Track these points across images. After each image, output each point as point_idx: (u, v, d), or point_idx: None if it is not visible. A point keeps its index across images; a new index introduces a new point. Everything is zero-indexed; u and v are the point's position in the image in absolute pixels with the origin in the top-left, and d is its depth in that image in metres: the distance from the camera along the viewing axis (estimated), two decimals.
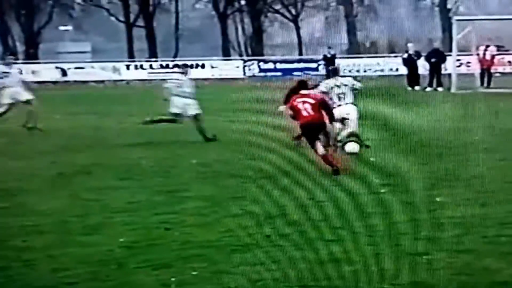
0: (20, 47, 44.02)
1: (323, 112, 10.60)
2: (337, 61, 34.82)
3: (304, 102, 10.61)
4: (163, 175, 10.13)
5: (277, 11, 46.74)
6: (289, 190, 9.03)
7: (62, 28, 48.14)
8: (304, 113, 10.54)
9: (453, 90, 25.67)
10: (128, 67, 38.48)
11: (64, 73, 37.91)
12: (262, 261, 6.10)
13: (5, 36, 43.68)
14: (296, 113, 10.71)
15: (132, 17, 44.67)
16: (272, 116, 18.48)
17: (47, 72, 36.97)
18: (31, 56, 42.42)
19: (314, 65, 38.56)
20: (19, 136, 14.68)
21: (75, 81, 36.28)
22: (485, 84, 28.31)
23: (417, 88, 29.36)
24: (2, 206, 8.18)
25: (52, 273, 5.80)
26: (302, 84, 11.05)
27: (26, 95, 16.01)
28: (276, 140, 14.07)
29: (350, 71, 38.59)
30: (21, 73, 19.31)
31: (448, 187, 9.12)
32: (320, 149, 10.32)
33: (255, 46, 45.29)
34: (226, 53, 44.66)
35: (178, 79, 14.70)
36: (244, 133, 15.33)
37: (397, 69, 36.75)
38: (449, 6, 47.96)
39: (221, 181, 9.65)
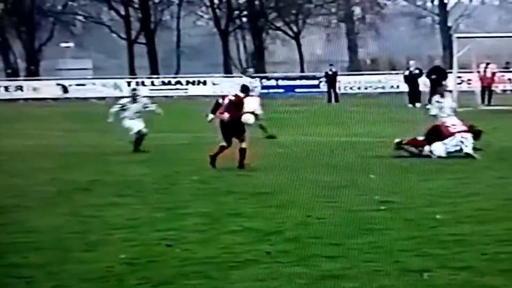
0: (21, 64, 44.17)
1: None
2: (338, 78, 35.00)
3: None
4: (163, 191, 10.18)
5: (278, 28, 46.97)
6: (287, 207, 9.05)
7: (63, 45, 48.34)
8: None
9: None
10: (129, 83, 38.57)
11: (65, 89, 38.02)
12: (261, 277, 6.11)
13: (7, 53, 43.86)
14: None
15: (133, 34, 44.87)
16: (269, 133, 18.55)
17: (48, 88, 37.07)
18: (32, 73, 42.58)
19: (315, 82, 38.69)
20: (18, 153, 14.68)
21: (76, 98, 36.37)
22: (486, 102, 28.35)
23: (418, 105, 29.40)
24: (1, 222, 8.18)
25: None
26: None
27: None
28: (273, 157, 14.08)
29: (351, 88, 38.72)
30: None
31: (448, 204, 9.12)
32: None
33: (257, 63, 45.46)
34: (227, 70, 44.81)
35: (124, 104, 15.14)
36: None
37: (398, 86, 36.83)
38: (449, 23, 48.23)
39: (219, 198, 9.70)
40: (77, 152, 14.23)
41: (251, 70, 20.18)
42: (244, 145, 12.24)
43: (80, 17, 46.33)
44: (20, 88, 37.43)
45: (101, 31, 47.71)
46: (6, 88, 37.56)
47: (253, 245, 7.15)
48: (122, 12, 44.70)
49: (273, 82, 39.62)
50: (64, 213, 8.69)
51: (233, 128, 12.38)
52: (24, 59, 44.03)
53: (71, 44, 48.81)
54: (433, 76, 29.20)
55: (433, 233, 7.61)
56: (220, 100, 13.28)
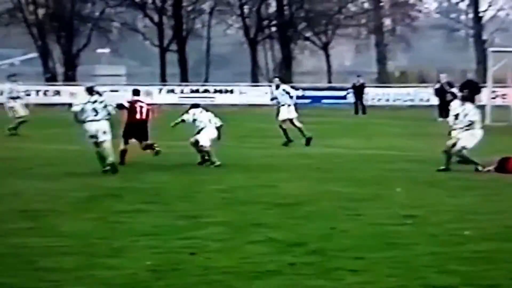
0: (60, 69, 44.77)
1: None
2: (366, 90, 34.89)
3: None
4: (187, 200, 10.30)
5: (307, 39, 47.02)
6: (310, 219, 9.06)
7: (99, 51, 48.90)
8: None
9: (487, 122, 25.38)
10: (160, 91, 38.93)
11: (99, 95, 38.56)
12: None
13: (46, 58, 44.48)
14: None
15: (165, 41, 45.30)
16: (295, 143, 18.57)
17: (84, 94, 37.18)
18: (70, 78, 43.08)
19: (343, 93, 38.62)
20: (52, 158, 14.91)
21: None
22: None
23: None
24: (32, 226, 8.37)
25: None
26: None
27: None
28: (298, 167, 14.09)
29: (379, 100, 38.56)
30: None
31: (475, 220, 9.04)
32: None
33: (284, 73, 45.55)
34: (254, 79, 44.97)
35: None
36: (266, 160, 15.38)
37: (428, 100, 36.59)
38: (484, 37, 47.70)
39: (242, 207, 9.75)
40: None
41: (276, 79, 20.33)
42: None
43: (116, 24, 46.86)
44: (58, 93, 37.92)
45: (135, 38, 48.29)
46: (45, 93, 38.10)
47: (275, 256, 7.17)
48: (156, 20, 45.18)
49: (299, 93, 39.63)
50: (94, 218, 8.86)
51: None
52: (62, 64, 44.60)
53: (106, 50, 49.36)
54: (465, 91, 28.99)
55: (458, 249, 7.54)
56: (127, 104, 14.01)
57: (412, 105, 37.87)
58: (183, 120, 15.21)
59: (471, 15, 50.10)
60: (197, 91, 39.20)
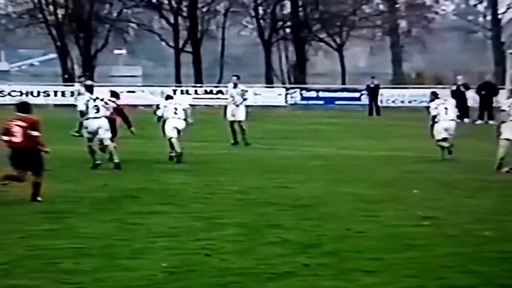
0: (78, 70, 44.98)
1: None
2: (381, 91, 34.73)
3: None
4: (203, 201, 10.36)
5: (321, 40, 46.92)
6: (326, 220, 9.08)
7: (116, 51, 49.10)
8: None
9: None
10: (175, 92, 38.92)
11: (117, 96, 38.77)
12: None
13: (65, 59, 44.72)
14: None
15: (181, 43, 45.42)
16: (310, 145, 18.52)
17: (101, 95, 37.20)
18: (88, 79, 43.10)
19: (356, 94, 38.46)
20: (72, 159, 15.03)
21: (126, 105, 36.56)
22: None
23: (466, 120, 29.03)
24: (54, 228, 8.47)
25: None
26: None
27: None
28: (313, 169, 14.03)
29: (393, 101, 38.38)
30: None
31: (495, 221, 9.00)
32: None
33: (298, 74, 45.47)
34: (269, 81, 44.94)
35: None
36: (281, 161, 15.33)
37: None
38: (503, 39, 47.33)
39: (258, 209, 9.78)
40: (127, 160, 14.39)
41: (234, 78, 20.30)
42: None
43: (133, 25, 47.06)
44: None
45: (151, 39, 48.46)
46: (63, 94, 38.23)
47: (291, 257, 7.18)
48: (172, 21, 45.33)
49: (313, 94, 39.56)
50: (113, 220, 8.96)
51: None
52: (80, 65, 44.82)
53: (123, 51, 49.55)
54: (482, 92, 28.83)
55: (478, 250, 7.54)
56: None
57: (428, 106, 37.63)
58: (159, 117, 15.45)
59: (489, 17, 49.75)
60: (211, 92, 39.23)
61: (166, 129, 15.25)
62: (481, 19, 53.76)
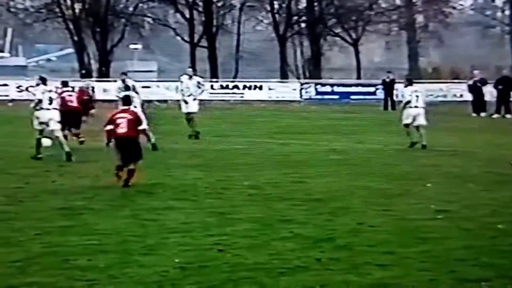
0: (94, 65, 45.16)
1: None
2: (396, 86, 34.56)
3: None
4: (216, 196, 10.37)
5: (337, 35, 46.77)
6: (339, 214, 9.06)
7: (132, 46, 49.21)
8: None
9: None
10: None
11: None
12: (312, 284, 6.11)
13: (82, 54, 44.89)
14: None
15: (196, 37, 45.45)
16: (325, 139, 18.46)
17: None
18: (103, 74, 43.39)
19: (371, 89, 38.32)
20: (85, 155, 15.14)
21: (142, 100, 36.63)
22: None
23: (482, 114, 28.85)
24: (69, 224, 8.53)
25: None
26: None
27: None
28: (327, 163, 13.98)
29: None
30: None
31: (510, 214, 8.93)
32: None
33: (313, 69, 45.35)
34: (283, 76, 44.88)
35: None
36: (296, 156, 15.30)
37: (461, 95, 36.20)
38: None
39: (271, 204, 9.78)
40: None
41: (189, 70, 20.34)
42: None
43: (149, 19, 47.16)
44: (92, 89, 38.02)
45: (166, 34, 48.51)
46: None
47: (303, 252, 7.18)
48: (187, 15, 45.37)
49: (328, 88, 39.48)
50: (127, 216, 8.99)
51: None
52: (96, 60, 44.96)
53: (139, 46, 49.66)
54: (500, 87, 28.63)
55: (493, 243, 7.50)
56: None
57: (444, 101, 37.45)
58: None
59: (507, 12, 49.34)
60: (226, 87, 39.24)
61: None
62: (499, 13, 53.35)
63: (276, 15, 46.29)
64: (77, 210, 9.28)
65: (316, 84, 39.85)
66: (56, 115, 14.50)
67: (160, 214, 9.05)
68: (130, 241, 7.65)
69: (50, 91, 14.68)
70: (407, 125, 17.42)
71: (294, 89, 39.38)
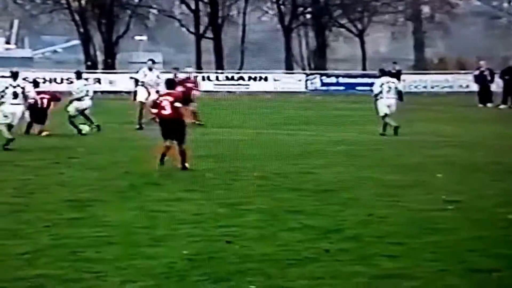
0: (100, 57, 45.09)
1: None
2: (403, 77, 34.42)
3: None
4: (226, 187, 10.34)
5: (342, 26, 46.59)
6: (348, 205, 9.02)
7: (137, 38, 49.10)
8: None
9: None
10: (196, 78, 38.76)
11: (136, 83, 39.03)
12: (320, 275, 6.08)
13: (88, 45, 44.82)
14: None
15: (201, 29, 45.33)
16: (332, 130, 18.41)
17: (122, 82, 37.26)
18: (109, 65, 43.35)
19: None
20: (94, 147, 15.12)
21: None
22: None
23: (489, 105, 28.73)
24: (78, 216, 8.50)
25: (120, 286, 5.98)
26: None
27: None
28: (336, 154, 13.93)
29: (416, 87, 38.06)
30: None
31: None
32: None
33: (318, 60, 45.20)
34: (289, 67, 44.74)
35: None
36: (303, 147, 15.25)
37: (467, 86, 36.03)
38: None
39: (280, 194, 9.74)
40: (147, 146, 14.45)
41: (149, 62, 20.57)
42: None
43: (154, 11, 47.01)
44: (98, 80, 38.03)
45: (172, 25, 48.36)
46: (86, 80, 38.33)
47: (312, 243, 7.15)
48: (192, 6, 45.23)
49: (333, 79, 39.32)
50: (135, 208, 8.94)
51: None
52: (102, 52, 44.86)
53: (144, 38, 49.52)
54: (506, 77, 28.49)
55: (503, 233, 7.45)
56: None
57: (450, 92, 37.32)
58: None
59: None
60: (232, 78, 39.13)
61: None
62: (505, 4, 53.02)
63: (281, 6, 46.12)
64: (86, 202, 9.25)
65: (322, 75, 39.71)
66: (19, 110, 15.06)
67: (169, 205, 9.00)
68: (139, 233, 7.62)
69: (17, 86, 15.03)
70: (385, 116, 17.70)
71: (300, 80, 39.25)
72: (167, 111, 11.90)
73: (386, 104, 17.72)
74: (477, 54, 40.56)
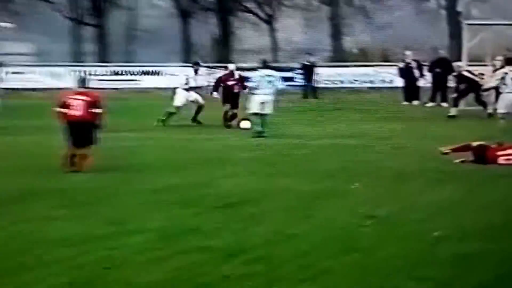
0: None
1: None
2: (317, 70, 34.98)
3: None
4: (109, 203, 10.26)
5: (249, 11, 46.96)
6: (254, 221, 9.09)
7: (2, 24, 47.71)
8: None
9: (461, 106, 25.47)
10: (72, 73, 38.01)
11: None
12: None
13: None
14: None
15: (81, 13, 44.58)
16: (234, 134, 18.46)
17: None
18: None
19: (290, 74, 38.57)
20: None
21: (13, 89, 35.33)
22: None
23: (415, 102, 29.47)
24: None
25: None
26: None
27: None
28: (241, 162, 13.97)
29: (333, 82, 38.75)
30: None
31: (452, 218, 9.16)
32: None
33: (222, 50, 45.32)
34: (187, 59, 44.63)
35: None
36: (200, 154, 15.21)
37: (391, 81, 36.98)
38: (459, 9, 48.20)
39: (174, 211, 9.70)
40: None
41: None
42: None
43: None
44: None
45: (44, 9, 47.23)
46: None
47: (210, 267, 7.16)
48: None
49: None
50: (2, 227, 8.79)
51: None
52: None
53: (9, 24, 48.19)
54: (437, 70, 29.17)
55: (431, 251, 7.63)
56: None
57: (372, 87, 38.19)
58: None
59: None
60: (118, 73, 38.63)
61: None
62: None
63: None
64: None
65: (226, 68, 39.81)
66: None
67: (41, 225, 8.85)
68: (2, 258, 7.44)
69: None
70: (254, 115, 18.27)
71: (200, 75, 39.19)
72: (79, 112, 12.37)
73: (260, 100, 18.08)
74: (404, 43, 41.59)
